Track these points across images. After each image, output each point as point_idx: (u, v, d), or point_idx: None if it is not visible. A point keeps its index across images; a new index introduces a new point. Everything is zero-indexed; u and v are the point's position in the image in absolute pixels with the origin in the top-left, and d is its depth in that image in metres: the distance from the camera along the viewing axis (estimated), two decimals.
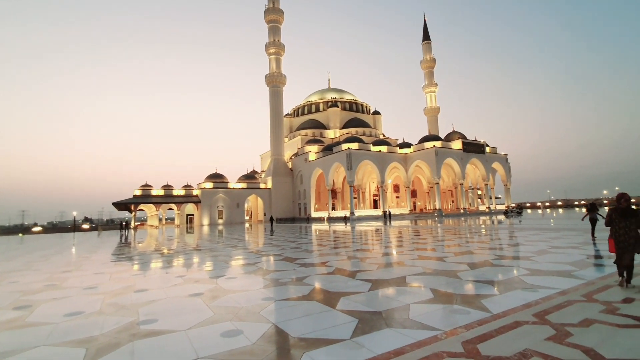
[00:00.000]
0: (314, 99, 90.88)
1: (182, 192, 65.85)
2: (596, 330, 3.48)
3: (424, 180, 71.35)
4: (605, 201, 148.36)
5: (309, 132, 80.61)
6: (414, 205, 72.69)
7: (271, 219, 40.99)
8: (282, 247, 14.35)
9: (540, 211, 69.54)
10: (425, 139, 63.31)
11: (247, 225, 53.36)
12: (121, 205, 61.19)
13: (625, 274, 5.33)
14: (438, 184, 58.77)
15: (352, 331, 3.76)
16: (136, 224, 63.79)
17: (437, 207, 58.74)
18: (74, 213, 66.01)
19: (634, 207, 5.56)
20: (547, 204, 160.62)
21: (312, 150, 67.67)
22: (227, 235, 25.72)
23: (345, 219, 44.81)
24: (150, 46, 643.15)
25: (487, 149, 67.30)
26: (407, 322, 4.00)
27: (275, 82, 71.44)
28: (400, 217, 54.86)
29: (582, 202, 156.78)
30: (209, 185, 65.40)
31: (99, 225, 72.75)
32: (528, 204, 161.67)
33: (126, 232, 42.47)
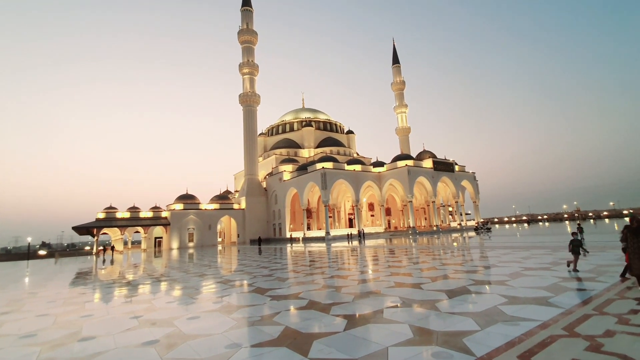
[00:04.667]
0: (288, 118, 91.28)
1: (150, 215, 62.85)
2: None
3: (397, 198, 72.43)
4: (565, 215, 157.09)
5: (284, 151, 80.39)
6: (389, 223, 73.29)
7: (259, 240, 42.83)
8: (254, 275, 13.62)
9: (507, 226, 72.18)
10: (398, 158, 64.69)
11: (219, 247, 51.38)
12: (82, 230, 57.34)
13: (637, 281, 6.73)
14: (411, 202, 59.75)
15: None
16: (98, 249, 59.83)
17: (411, 225, 59.47)
18: (29, 239, 61.11)
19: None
20: (514, 218, 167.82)
21: (287, 170, 67.23)
22: (197, 261, 24.40)
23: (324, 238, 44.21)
24: (115, 62, 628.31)
25: (456, 168, 69.69)
26: None
27: (249, 101, 71.22)
28: (376, 235, 54.96)
29: (545, 217, 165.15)
30: (179, 206, 62.93)
31: (56, 252, 67.57)
32: (496, 219, 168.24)
33: (104, 256, 42.21)
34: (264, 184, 72.30)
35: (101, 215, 59.26)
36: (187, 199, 65.46)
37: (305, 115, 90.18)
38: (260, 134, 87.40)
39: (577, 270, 9.27)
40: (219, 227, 69.61)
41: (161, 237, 64.02)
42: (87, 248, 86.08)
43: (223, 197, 71.61)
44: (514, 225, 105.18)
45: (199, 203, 65.45)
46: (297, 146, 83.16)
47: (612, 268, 9.61)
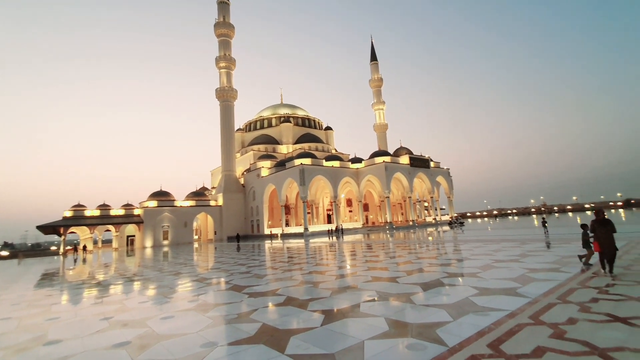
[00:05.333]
0: (266, 114, 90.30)
1: (122, 212, 60.57)
2: None
3: (375, 194, 73.42)
4: (532, 209, 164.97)
5: (262, 147, 79.51)
6: (367, 219, 74.26)
7: (237, 237, 43.15)
8: (231, 273, 13.44)
9: (479, 221, 74.86)
10: (376, 155, 65.51)
11: (195, 245, 50.31)
12: (48, 229, 54.45)
13: (607, 266, 7.65)
14: (388, 197, 60.76)
15: None
16: (66, 248, 57.03)
17: (388, 220, 60.53)
18: None
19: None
20: (485, 213, 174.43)
21: (265, 166, 66.58)
22: (172, 259, 23.79)
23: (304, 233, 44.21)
24: (84, 56, 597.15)
25: (432, 164, 71.47)
26: None
27: (226, 96, 69.76)
28: (354, 231, 55.56)
29: (514, 211, 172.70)
30: (153, 203, 60.98)
31: (19, 252, 63.88)
32: (469, 214, 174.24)
33: (75, 255, 40.54)
34: (242, 180, 71.32)
35: (68, 214, 56.51)
36: (162, 195, 63.54)
37: (283, 111, 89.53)
38: (237, 130, 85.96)
39: (590, 264, 8.88)
40: (195, 224, 68.09)
41: (134, 236, 61.89)
42: (54, 248, 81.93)
43: (199, 194, 70.05)
44: (486, 219, 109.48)
45: (173, 200, 63.68)
46: (276, 142, 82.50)
47: (575, 259, 10.18)
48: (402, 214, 75.91)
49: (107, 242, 71.95)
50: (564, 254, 11.59)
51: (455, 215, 71.10)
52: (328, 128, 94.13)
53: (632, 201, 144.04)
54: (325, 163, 61.17)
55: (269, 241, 42.95)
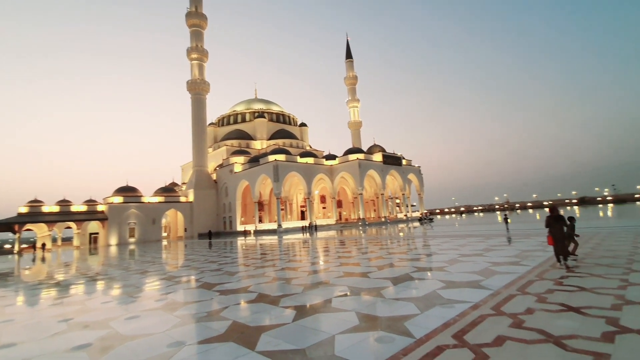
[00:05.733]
0: (240, 108, 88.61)
1: (84, 208, 57.51)
2: (509, 349, 3.61)
3: (348, 190, 74.23)
4: (497, 206, 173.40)
5: (235, 142, 78.02)
6: (340, 215, 74.98)
7: (209, 234, 42.09)
8: (201, 270, 13.13)
9: (447, 217, 77.61)
10: (350, 152, 66.17)
11: (164, 243, 48.70)
12: (1, 226, 50.69)
13: (561, 259, 8.22)
14: (362, 194, 61.64)
15: None
16: (22, 247, 53.38)
17: (361, 217, 61.45)
18: None
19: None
20: (453, 210, 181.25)
21: (238, 162, 65.47)
22: (139, 257, 22.89)
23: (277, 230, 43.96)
24: (44, 43, 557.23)
25: (404, 162, 73.22)
26: None
27: (197, 89, 67.70)
28: (327, 227, 55.95)
29: (480, 208, 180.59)
30: (119, 199, 58.32)
31: None
32: (438, 211, 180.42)
33: (34, 253, 37.88)
34: (214, 176, 69.75)
35: (24, 210, 52.91)
36: (128, 191, 60.88)
37: (257, 106, 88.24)
38: (210, 124, 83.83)
39: (576, 255, 9.19)
40: (164, 221, 65.96)
41: (97, 233, 59.01)
42: (8, 246, 76.42)
43: (169, 190, 67.78)
44: (453, 215, 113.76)
45: (141, 196, 61.23)
46: (249, 137, 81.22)
47: (534, 253, 10.81)
48: (375, 211, 77.32)
49: (68, 240, 68.11)
50: (524, 248, 12.27)
51: (425, 211, 73.46)
52: (303, 124, 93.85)
53: (586, 199, 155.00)
54: (299, 159, 61.03)
55: (242, 238, 42.37)
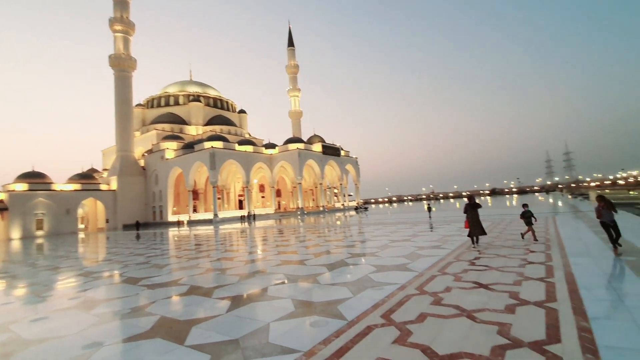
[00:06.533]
0: (172, 90, 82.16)
1: None
2: (429, 325, 3.97)
3: (288, 180, 74.17)
4: (423, 196, 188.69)
5: (167, 126, 72.35)
6: (279, 205, 74.77)
7: (137, 224, 38.29)
8: (125, 264, 12.07)
9: (381, 206, 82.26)
10: (290, 141, 65.93)
11: (81, 235, 43.66)
12: None
13: (475, 241, 9.52)
14: (300, 183, 62.10)
15: None
16: None
17: (300, 206, 62.02)
18: None
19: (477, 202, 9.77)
20: (386, 199, 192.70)
21: (170, 148, 61.00)
22: (49, 252, 20.19)
23: (245, 219, 42.08)
24: None
25: (342, 152, 75.36)
26: (266, 348, 3.68)
27: (122, 65, 60.90)
28: (266, 216, 55.43)
29: (410, 197, 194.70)
30: (23, 186, 50.49)
31: None
32: (372, 200, 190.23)
33: None
34: (142, 162, 64.13)
35: None
36: (34, 177, 52.96)
37: (193, 89, 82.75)
38: (137, 105, 76.41)
39: (537, 240, 9.71)
40: (80, 211, 58.99)
41: None
42: None
43: (87, 176, 60.64)
44: (386, 205, 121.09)
45: (51, 183, 53.76)
46: (183, 122, 75.99)
47: (453, 237, 12.00)
48: (313, 200, 78.63)
49: None
50: (445, 233, 13.55)
51: (361, 201, 76.91)
52: (242, 111, 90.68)
53: (496, 190, 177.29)
54: (237, 147, 59.11)
55: (175, 229, 39.90)
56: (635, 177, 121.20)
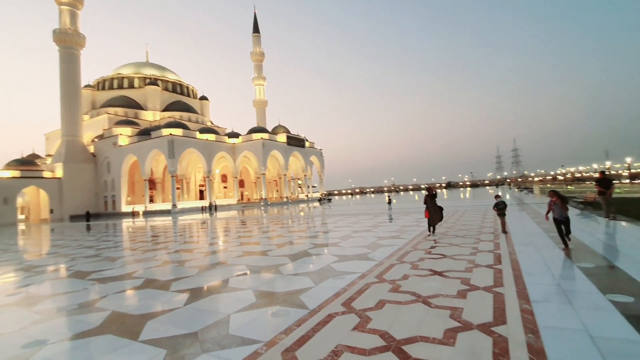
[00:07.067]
0: (126, 72, 76.74)
1: None
2: (387, 311, 4.12)
3: (251, 170, 72.89)
4: (385, 188, 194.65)
5: (120, 111, 67.63)
6: (242, 195, 73.40)
7: (87, 215, 35.90)
8: (73, 257, 11.24)
9: (344, 197, 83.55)
10: (254, 131, 64.61)
11: (21, 227, 39.96)
12: None
13: (432, 229, 10.18)
14: (264, 174, 61.30)
15: None
16: None
17: (264, 197, 61.33)
18: None
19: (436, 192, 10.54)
20: (349, 191, 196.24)
21: (124, 134, 57.33)
22: None
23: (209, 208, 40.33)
24: None
25: (307, 144, 75.29)
26: (226, 340, 3.62)
27: (68, 41, 55.70)
28: (228, 207, 54.20)
29: (372, 189, 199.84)
30: None
31: None
32: (336, 192, 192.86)
33: None
34: (92, 149, 59.71)
35: None
36: None
37: (149, 72, 77.91)
38: (86, 87, 70.64)
39: (506, 232, 9.54)
40: (20, 200, 53.91)
41: None
42: None
43: (27, 162, 55.28)
44: (350, 196, 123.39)
45: None
46: (139, 107, 71.48)
47: (411, 228, 12.51)
48: (277, 191, 78.12)
49: None
50: (404, 224, 14.09)
51: (325, 192, 77.62)
52: (203, 98, 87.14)
53: (451, 183, 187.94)
54: (199, 135, 56.95)
55: (130, 220, 37.79)
56: (572, 173, 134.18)
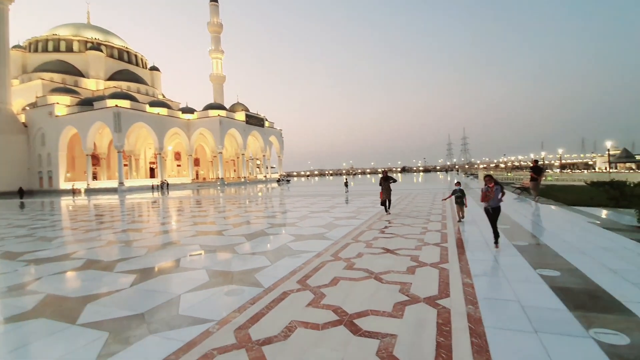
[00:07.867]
0: (64, 33, 68.60)
1: None
2: (341, 288, 4.23)
3: (207, 148, 70.00)
4: (344, 171, 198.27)
5: (57, 77, 60.72)
6: (197, 174, 70.56)
7: (20, 192, 32.67)
8: (1, 237, 10.13)
9: (303, 179, 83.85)
10: (210, 107, 61.70)
11: None
12: None
13: (387, 208, 10.90)
14: (221, 153, 59.26)
15: (97, 355, 2.87)
16: None
17: (220, 176, 59.51)
18: None
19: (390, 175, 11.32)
20: (308, 172, 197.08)
21: (62, 103, 51.75)
22: None
23: (158, 188, 37.61)
24: None
25: (266, 124, 73.64)
26: (175, 320, 3.49)
27: None
28: (182, 186, 51.90)
29: (331, 172, 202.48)
30: None
31: None
32: (295, 173, 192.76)
33: None
34: (22, 118, 53.33)
35: None
36: None
37: (91, 35, 70.39)
38: (16, 47, 62.18)
39: (462, 219, 9.06)
40: None
41: None
42: None
43: None
44: (308, 178, 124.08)
45: None
46: (79, 74, 64.70)
47: (367, 209, 12.89)
48: (235, 171, 76.17)
49: None
50: (360, 205, 14.48)
51: (284, 173, 77.14)
52: (154, 68, 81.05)
53: (406, 168, 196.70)
54: (148, 109, 53.17)
55: (69, 197, 34.77)
56: (512, 162, 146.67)
